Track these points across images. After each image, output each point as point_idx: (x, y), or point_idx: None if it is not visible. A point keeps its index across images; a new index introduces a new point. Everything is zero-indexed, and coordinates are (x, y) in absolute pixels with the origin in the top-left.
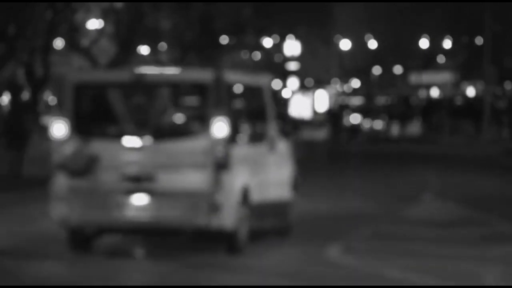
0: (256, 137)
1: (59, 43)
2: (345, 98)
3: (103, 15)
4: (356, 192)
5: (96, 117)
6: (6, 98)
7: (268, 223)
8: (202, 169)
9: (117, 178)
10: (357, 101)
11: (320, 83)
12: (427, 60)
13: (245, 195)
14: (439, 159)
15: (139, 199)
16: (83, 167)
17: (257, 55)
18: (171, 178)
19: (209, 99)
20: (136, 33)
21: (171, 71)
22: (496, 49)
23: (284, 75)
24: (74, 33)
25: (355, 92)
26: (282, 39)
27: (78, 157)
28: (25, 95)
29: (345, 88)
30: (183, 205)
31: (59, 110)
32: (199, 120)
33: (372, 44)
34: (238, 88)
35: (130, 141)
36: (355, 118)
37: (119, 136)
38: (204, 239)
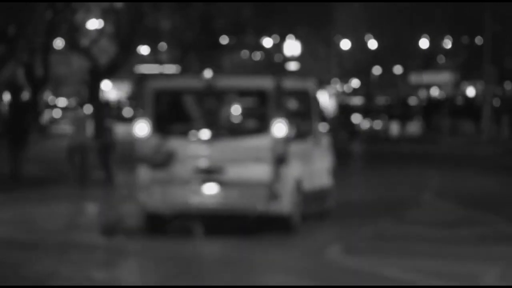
0: (304, 133)
1: (59, 43)
2: (345, 98)
3: (103, 15)
4: (355, 192)
5: (173, 118)
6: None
7: (314, 207)
8: (264, 163)
9: (191, 170)
10: (357, 101)
11: (320, 83)
12: (427, 60)
13: (298, 184)
14: (439, 159)
15: (210, 188)
16: (163, 161)
17: (257, 55)
18: (237, 171)
19: (270, 103)
20: (136, 33)
21: (238, 79)
22: (496, 49)
23: (284, 75)
24: (74, 33)
25: (355, 92)
26: (282, 39)
27: (158, 152)
28: (25, 95)
29: (345, 88)
30: (247, 194)
31: (141, 112)
32: (261, 121)
33: (372, 44)
34: (290, 92)
35: (202, 138)
36: (355, 118)
37: (193, 134)
38: (264, 222)
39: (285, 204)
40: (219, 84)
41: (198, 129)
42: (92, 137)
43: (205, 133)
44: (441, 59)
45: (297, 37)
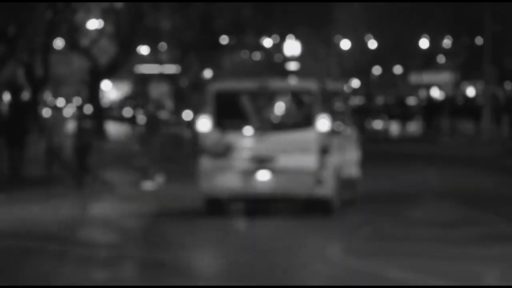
0: (339, 128)
1: (59, 43)
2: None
3: (103, 15)
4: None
5: (231, 115)
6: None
7: (346, 194)
8: (310, 153)
9: (246, 160)
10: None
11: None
12: (427, 60)
13: (337, 172)
14: (439, 159)
15: (263, 175)
16: (222, 152)
17: (257, 55)
18: (287, 160)
19: (315, 102)
20: (136, 33)
21: (287, 81)
22: (496, 49)
23: (284, 75)
24: (74, 33)
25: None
26: (282, 39)
27: (219, 144)
28: (25, 95)
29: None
30: (296, 180)
31: (204, 110)
32: (308, 117)
33: (372, 44)
34: (330, 93)
35: (257, 132)
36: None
37: (248, 129)
38: (309, 205)
39: (328, 189)
40: (271, 85)
41: (253, 124)
42: (71, 138)
43: (259, 128)
44: (441, 59)
45: (297, 37)
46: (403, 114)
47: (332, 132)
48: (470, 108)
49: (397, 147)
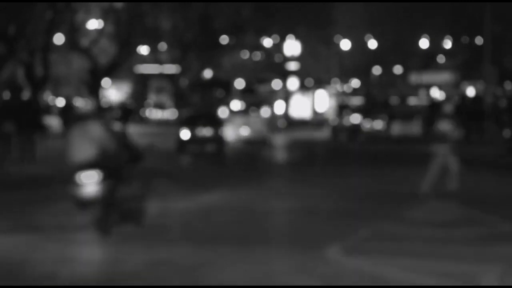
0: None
1: (59, 42)
2: (345, 98)
3: (103, 15)
4: (355, 191)
5: None
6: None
7: None
8: None
9: None
10: (357, 101)
11: (320, 83)
12: (427, 60)
13: None
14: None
15: None
16: None
17: (257, 55)
18: None
19: None
20: (136, 33)
21: None
22: (496, 49)
23: (284, 75)
24: (74, 33)
25: (355, 92)
26: (282, 39)
27: None
28: (25, 95)
29: (345, 88)
30: None
31: None
32: None
33: (372, 44)
34: None
35: None
36: (355, 118)
37: None
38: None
39: None
40: None
41: None
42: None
43: None
44: (441, 59)
45: (297, 37)
46: (403, 114)
47: None
48: (470, 108)
49: (396, 147)
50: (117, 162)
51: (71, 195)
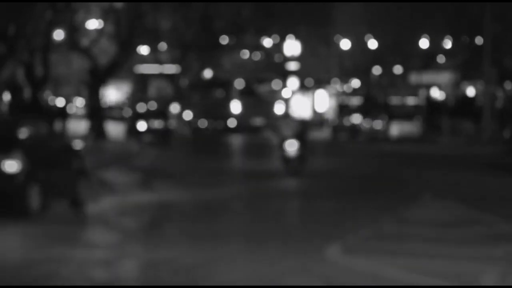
0: None
1: (59, 41)
2: (345, 98)
3: (103, 15)
4: (356, 191)
5: None
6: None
7: None
8: None
9: None
10: (357, 101)
11: (320, 83)
12: (427, 60)
13: None
14: (439, 159)
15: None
16: None
17: (257, 55)
18: None
19: None
20: (136, 33)
21: None
22: (496, 49)
23: (284, 75)
24: (74, 33)
25: (355, 92)
26: (282, 39)
27: None
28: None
29: (345, 88)
30: None
31: None
32: None
33: (372, 44)
34: None
35: None
36: (355, 118)
37: None
38: None
39: None
40: None
41: None
42: None
43: None
44: (441, 59)
45: (297, 37)
46: (403, 114)
47: None
48: (470, 108)
49: (396, 147)
50: None
51: None
